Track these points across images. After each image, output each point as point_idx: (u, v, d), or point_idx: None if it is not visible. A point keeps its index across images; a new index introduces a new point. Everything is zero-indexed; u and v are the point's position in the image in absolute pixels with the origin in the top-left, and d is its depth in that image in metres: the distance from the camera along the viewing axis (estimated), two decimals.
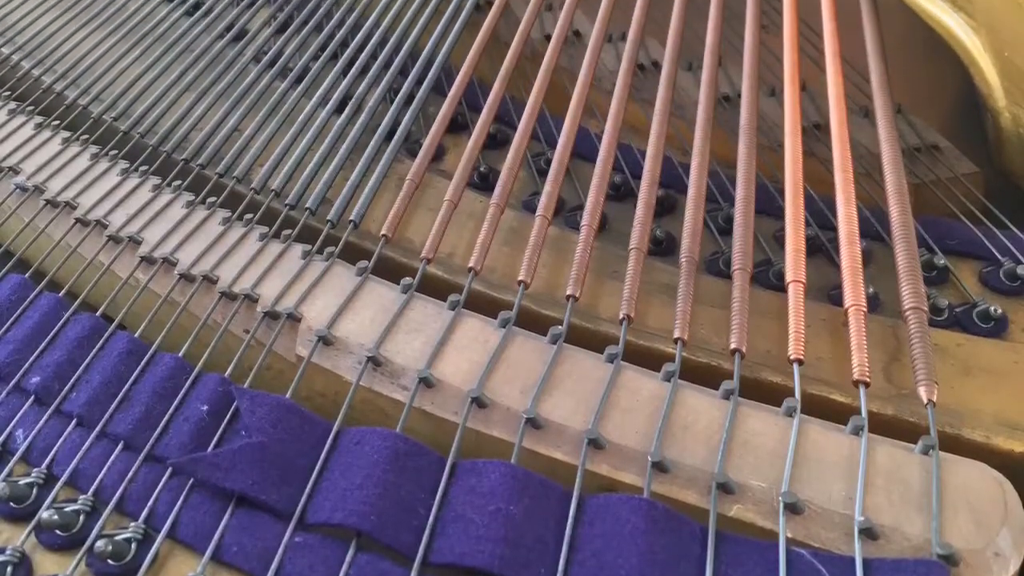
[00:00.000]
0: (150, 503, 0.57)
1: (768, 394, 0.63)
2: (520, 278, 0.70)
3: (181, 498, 0.57)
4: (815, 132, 0.94)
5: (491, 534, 0.53)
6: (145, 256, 0.76)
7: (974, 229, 0.80)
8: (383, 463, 0.56)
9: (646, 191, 0.77)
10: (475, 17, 1.06)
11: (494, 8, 1.03)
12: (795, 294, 0.66)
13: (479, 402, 0.61)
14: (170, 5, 1.15)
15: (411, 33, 1.03)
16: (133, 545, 0.55)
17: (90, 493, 0.58)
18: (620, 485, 0.57)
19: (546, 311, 0.73)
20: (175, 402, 0.63)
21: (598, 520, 0.54)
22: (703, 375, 0.65)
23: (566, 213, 0.84)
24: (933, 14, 0.93)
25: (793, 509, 0.54)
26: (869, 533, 0.52)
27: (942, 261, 0.76)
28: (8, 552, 0.55)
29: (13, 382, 0.66)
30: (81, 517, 0.57)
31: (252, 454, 0.57)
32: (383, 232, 0.76)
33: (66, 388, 0.65)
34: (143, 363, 0.66)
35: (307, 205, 0.81)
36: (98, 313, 0.71)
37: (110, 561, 0.54)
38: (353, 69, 0.98)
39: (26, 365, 0.66)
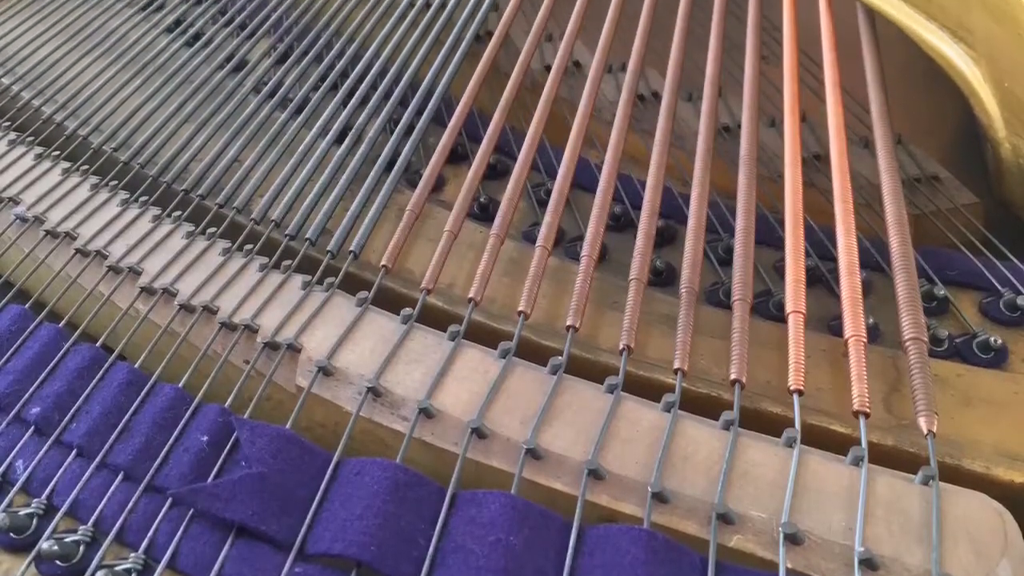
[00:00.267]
0: (150, 534, 0.58)
1: (768, 425, 0.64)
2: (520, 309, 0.71)
3: (181, 529, 0.58)
4: (815, 162, 0.96)
5: (491, 565, 0.53)
6: (145, 287, 0.77)
7: (974, 260, 0.81)
8: (383, 494, 0.57)
9: (646, 221, 0.78)
10: (475, 48, 1.07)
11: (494, 39, 1.05)
12: (795, 324, 0.67)
13: (479, 433, 0.62)
14: (170, 35, 1.17)
15: (411, 64, 1.04)
16: (133, 575, 0.56)
17: (90, 523, 0.59)
18: (620, 515, 0.58)
19: (546, 342, 0.74)
20: (175, 432, 0.64)
21: (598, 551, 0.55)
22: (703, 406, 0.66)
23: (566, 244, 0.85)
24: (933, 44, 0.94)
25: (793, 540, 0.55)
26: (869, 564, 0.53)
27: (942, 292, 0.77)
28: None
29: (13, 412, 0.66)
30: (81, 548, 0.58)
31: (252, 485, 0.58)
32: (383, 262, 0.78)
33: (66, 419, 0.65)
34: (143, 394, 0.67)
35: (307, 235, 0.82)
36: (98, 344, 0.72)
37: None
38: (353, 100, 0.99)
39: (26, 396, 0.67)
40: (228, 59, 1.10)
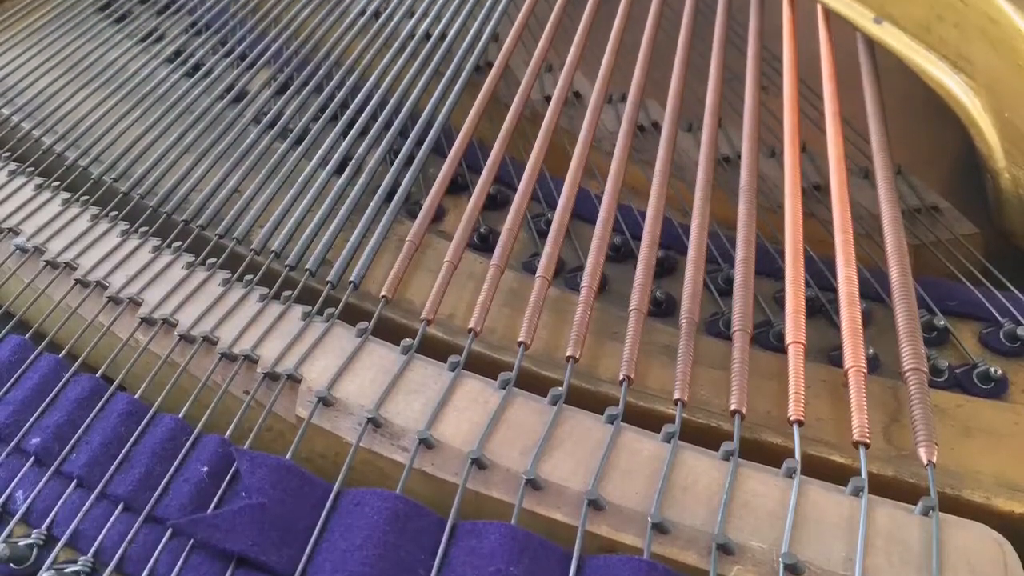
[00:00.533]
0: (150, 564, 0.59)
1: (768, 455, 0.65)
2: (520, 339, 0.72)
3: (181, 559, 0.59)
4: (815, 193, 0.97)
5: None
6: (145, 317, 0.78)
7: (974, 290, 0.82)
8: (383, 524, 0.58)
9: (646, 252, 0.79)
10: (475, 78, 1.09)
11: (494, 69, 1.06)
12: (795, 355, 0.68)
13: (479, 463, 0.63)
14: (170, 66, 1.19)
15: (411, 94, 1.06)
16: None
17: (90, 554, 0.60)
18: (620, 546, 0.59)
19: (546, 372, 0.75)
20: (175, 463, 0.64)
21: None
22: (703, 436, 0.67)
23: (566, 274, 0.86)
24: (933, 75, 0.95)
25: (793, 570, 0.55)
26: None
27: (942, 322, 0.78)
28: None
29: (13, 443, 0.67)
30: None
31: (252, 515, 0.59)
32: (383, 293, 0.79)
33: (66, 449, 0.66)
34: (143, 424, 0.68)
35: (307, 266, 0.83)
36: (98, 374, 0.73)
37: None
38: (353, 130, 1.01)
39: (26, 426, 0.68)
40: (228, 90, 1.11)
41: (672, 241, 0.88)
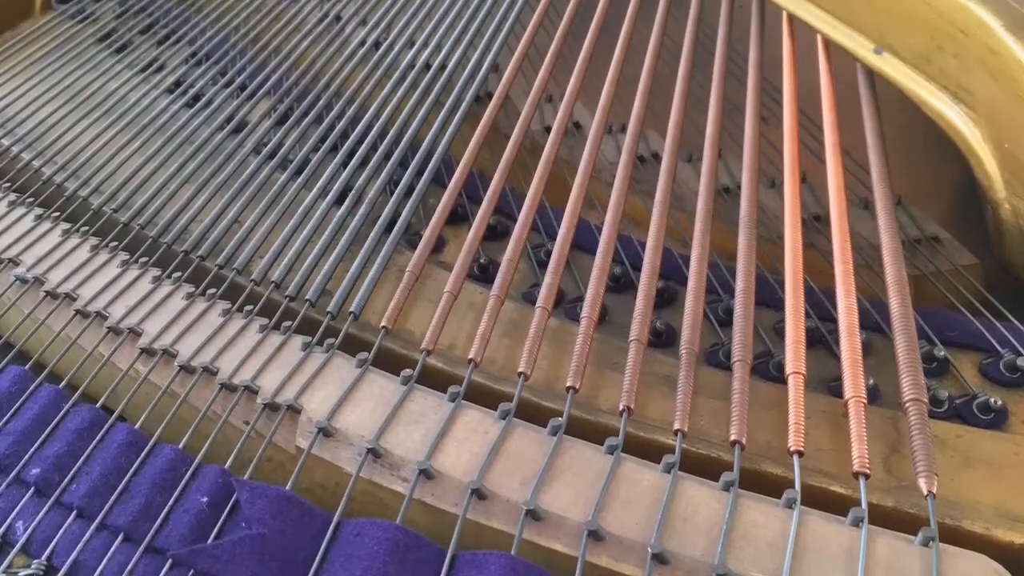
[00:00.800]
0: None
1: (768, 486, 0.65)
2: (520, 370, 0.73)
3: None
4: (815, 224, 0.98)
5: None
6: (145, 348, 0.79)
7: (974, 321, 0.83)
8: (383, 555, 0.59)
9: (646, 283, 0.80)
10: (475, 109, 1.10)
11: (494, 100, 1.07)
12: (795, 386, 0.69)
13: (479, 494, 0.63)
14: (170, 97, 1.20)
15: (411, 125, 1.07)
16: None
17: None
18: None
19: (546, 403, 0.75)
20: (175, 494, 0.65)
21: None
22: (703, 467, 0.67)
23: (566, 305, 0.87)
24: (933, 106, 0.96)
25: None
26: None
27: (942, 353, 0.79)
28: None
29: (13, 473, 0.68)
30: None
31: (252, 546, 0.60)
32: (383, 324, 0.80)
33: (66, 480, 0.67)
34: (143, 455, 0.69)
35: (307, 297, 0.84)
36: (98, 405, 0.74)
37: None
38: (353, 161, 1.02)
39: (26, 457, 0.69)
40: (228, 120, 1.13)
41: (672, 272, 0.89)
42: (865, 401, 0.67)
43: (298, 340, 0.78)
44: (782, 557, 0.58)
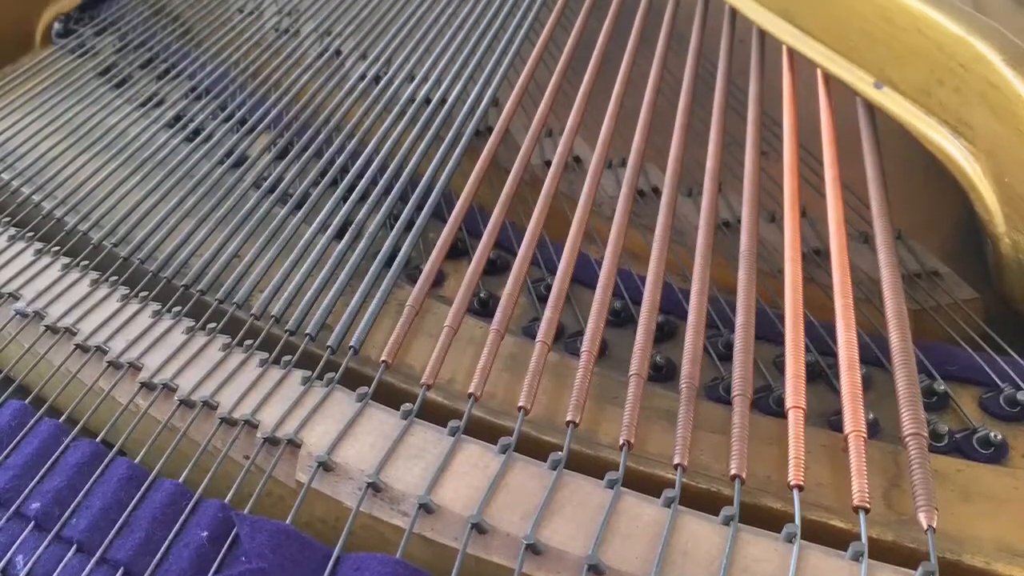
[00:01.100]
0: None
1: (768, 520, 0.66)
2: (520, 404, 0.74)
3: None
4: (815, 258, 0.98)
5: None
6: (145, 382, 0.80)
7: (974, 355, 0.83)
8: None
9: (646, 317, 0.81)
10: (475, 143, 1.11)
11: (494, 134, 1.08)
12: (795, 420, 0.70)
13: (479, 528, 0.64)
14: (170, 131, 1.22)
15: (411, 159, 1.08)
16: None
17: None
18: None
19: (546, 437, 0.76)
20: (175, 528, 0.66)
21: None
22: (703, 501, 0.68)
23: (566, 339, 0.88)
24: (933, 140, 0.97)
25: None
26: None
27: (942, 387, 0.80)
28: None
29: (13, 508, 0.69)
30: None
31: None
32: (383, 358, 0.80)
33: (66, 514, 0.68)
34: (143, 489, 0.70)
35: (307, 331, 0.85)
36: (98, 439, 0.75)
37: None
38: (353, 195, 1.03)
39: (26, 491, 0.70)
40: (228, 154, 1.14)
41: (672, 306, 0.90)
42: (865, 435, 0.68)
43: (298, 374, 0.79)
44: None
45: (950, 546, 0.67)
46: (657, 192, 1.08)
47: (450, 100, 1.18)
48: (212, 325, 0.87)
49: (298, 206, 1.03)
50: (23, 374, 0.84)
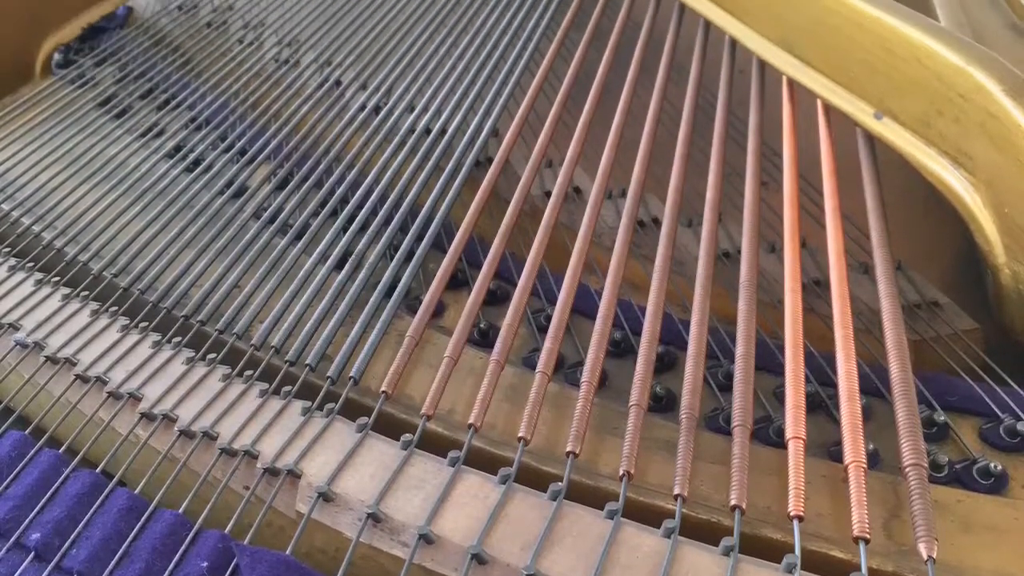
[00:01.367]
0: None
1: (768, 550, 0.66)
2: (520, 434, 0.75)
3: None
4: (815, 288, 0.99)
5: None
6: (145, 412, 0.81)
7: (974, 385, 0.84)
8: None
9: (646, 348, 0.81)
10: (475, 174, 1.12)
11: (494, 165, 1.10)
12: (795, 450, 0.70)
13: (479, 559, 0.65)
14: (170, 162, 1.23)
15: (411, 190, 1.09)
16: None
17: None
18: None
19: (546, 467, 0.77)
20: (175, 559, 0.67)
21: None
22: (703, 531, 0.69)
23: (566, 370, 0.89)
24: (933, 170, 0.98)
25: None
26: None
27: (942, 417, 0.80)
28: None
29: (13, 539, 0.70)
30: None
31: None
32: (383, 388, 0.81)
33: (66, 545, 0.69)
34: (143, 520, 0.70)
35: (307, 361, 0.86)
36: (98, 470, 0.76)
37: None
38: (353, 226, 1.04)
39: (26, 522, 0.71)
40: (228, 185, 1.15)
41: (672, 337, 0.91)
42: (865, 466, 0.68)
43: (298, 405, 0.80)
44: None
45: None
46: (657, 222, 1.09)
47: (450, 130, 1.20)
48: (212, 356, 0.87)
49: (298, 236, 1.04)
50: (23, 404, 0.85)
